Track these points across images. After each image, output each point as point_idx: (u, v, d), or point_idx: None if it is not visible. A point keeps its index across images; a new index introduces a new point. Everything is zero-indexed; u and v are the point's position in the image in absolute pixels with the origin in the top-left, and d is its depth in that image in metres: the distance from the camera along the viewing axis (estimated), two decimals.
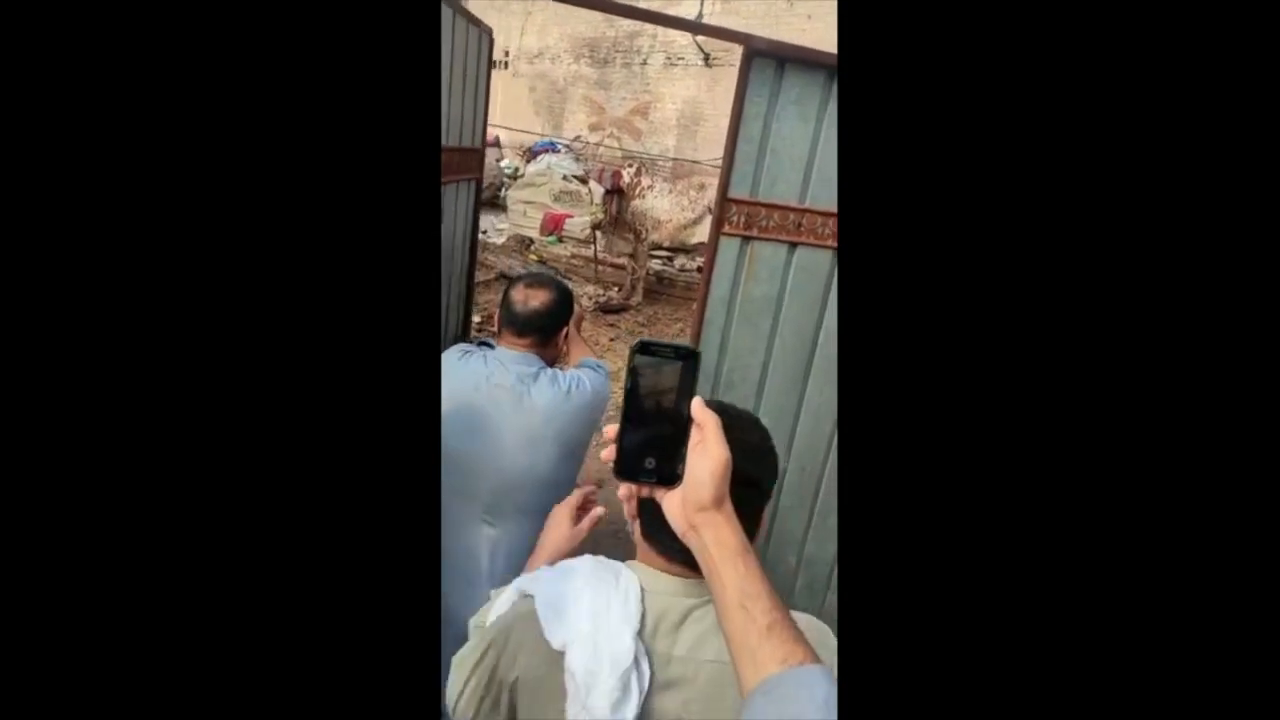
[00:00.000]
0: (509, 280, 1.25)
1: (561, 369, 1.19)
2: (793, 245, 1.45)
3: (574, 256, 5.76)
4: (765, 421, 1.66)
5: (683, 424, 0.54)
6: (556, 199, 7.05)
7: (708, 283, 1.45)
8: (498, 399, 1.11)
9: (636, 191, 5.01)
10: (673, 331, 4.79)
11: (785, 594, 1.79)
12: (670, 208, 5.12)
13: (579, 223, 6.49)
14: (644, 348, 0.53)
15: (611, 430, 0.55)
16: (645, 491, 0.56)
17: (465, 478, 1.12)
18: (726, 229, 1.40)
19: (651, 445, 0.54)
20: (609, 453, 0.55)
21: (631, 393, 0.54)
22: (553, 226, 6.45)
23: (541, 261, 5.68)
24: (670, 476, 0.54)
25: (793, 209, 1.42)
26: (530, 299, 1.17)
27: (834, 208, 1.43)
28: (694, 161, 7.05)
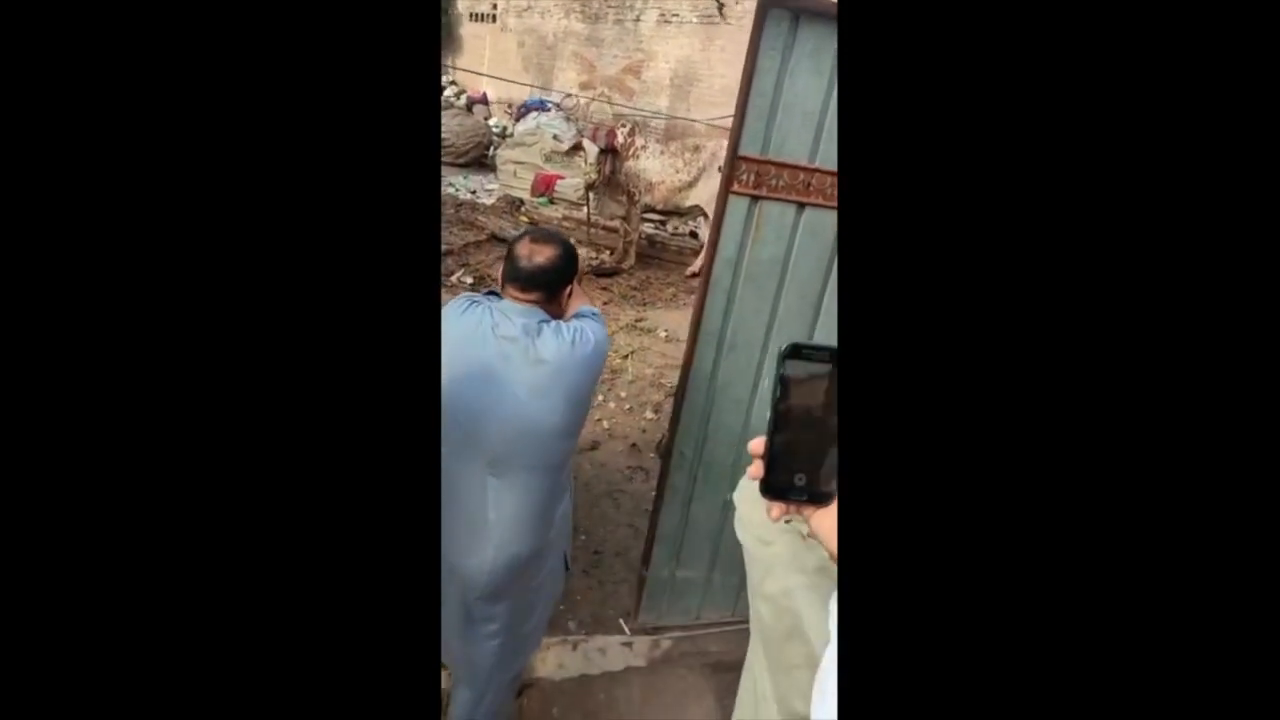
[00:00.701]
0: (511, 239, 1.22)
1: (564, 321, 1.18)
2: (801, 206, 1.44)
3: (565, 219, 5.67)
4: (766, 383, 1.67)
5: (832, 436, 0.49)
6: (548, 160, 6.90)
7: (715, 243, 1.43)
8: (504, 351, 1.10)
9: (630, 152, 4.91)
10: (665, 297, 4.77)
11: None
12: (663, 169, 5.01)
13: (571, 184, 6.38)
14: (795, 351, 0.48)
15: (758, 444, 0.50)
16: (793, 511, 0.51)
17: (470, 428, 1.12)
18: (736, 188, 1.38)
19: (801, 460, 0.49)
20: (756, 469, 0.50)
21: (780, 403, 0.49)
22: (544, 188, 6.33)
23: (532, 223, 5.58)
24: (821, 495, 0.49)
25: (803, 168, 1.40)
26: (535, 254, 1.15)
27: None
28: (692, 120, 6.92)
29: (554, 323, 1.16)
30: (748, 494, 0.77)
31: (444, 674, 1.59)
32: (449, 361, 1.12)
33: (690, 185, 5.04)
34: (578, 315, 1.20)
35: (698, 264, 5.24)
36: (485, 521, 1.14)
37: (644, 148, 4.99)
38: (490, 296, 1.18)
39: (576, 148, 5.21)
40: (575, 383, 1.13)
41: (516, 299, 1.15)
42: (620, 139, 4.87)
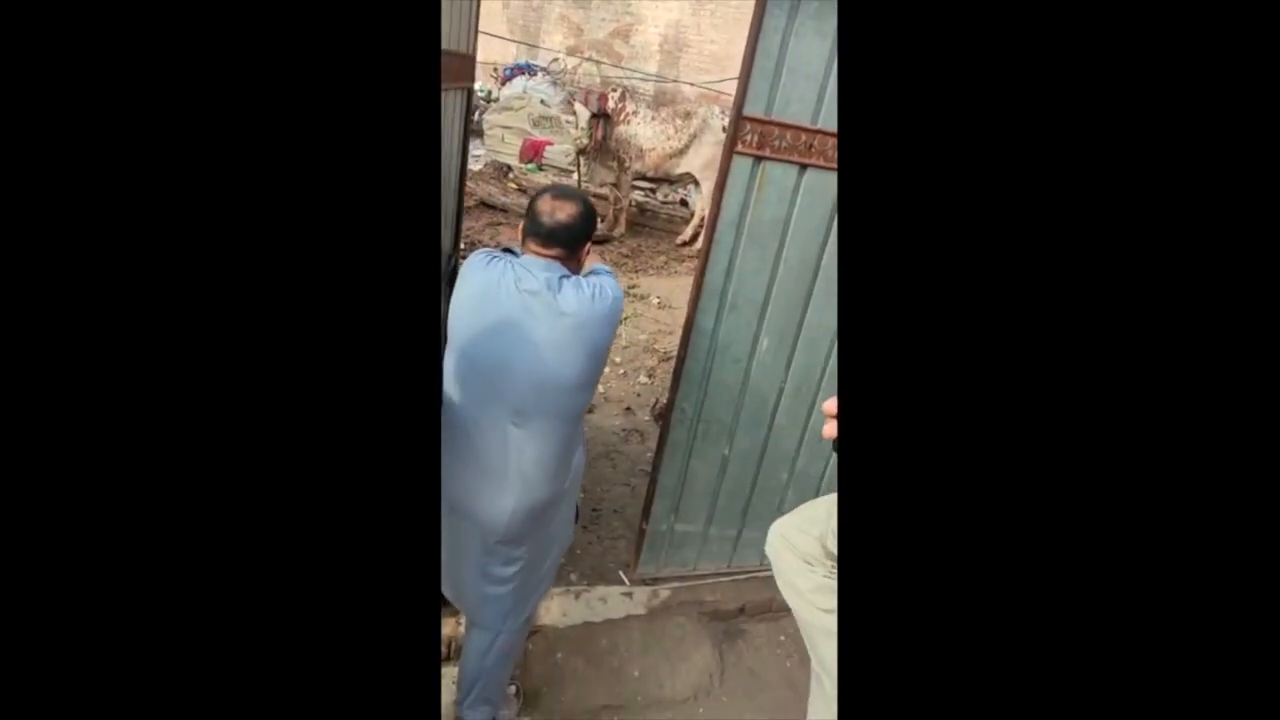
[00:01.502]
0: (532, 195, 1.24)
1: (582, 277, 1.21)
2: (803, 167, 1.47)
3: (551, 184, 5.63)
4: (765, 343, 1.72)
5: None
6: (536, 125, 6.81)
7: (718, 203, 1.46)
8: (526, 304, 1.14)
9: (621, 117, 4.86)
10: (657, 264, 4.78)
11: (775, 505, 1.89)
12: (654, 136, 4.96)
13: (560, 150, 6.31)
14: None
15: (832, 405, 0.54)
16: None
17: (494, 378, 1.15)
18: (740, 148, 1.41)
19: None
20: (830, 429, 0.54)
21: None
22: (532, 154, 6.27)
23: (522, 190, 5.54)
24: None
25: (805, 129, 1.42)
26: (557, 211, 1.18)
27: None
28: (684, 83, 6.82)
29: (574, 278, 1.19)
30: (787, 560, 0.75)
31: (456, 620, 1.65)
32: (472, 313, 1.15)
33: (681, 152, 5.01)
34: (593, 272, 1.23)
35: (688, 232, 5.24)
36: (507, 468, 1.18)
37: (635, 113, 4.94)
38: (507, 253, 1.20)
39: (570, 103, 5.13)
40: (594, 336, 1.17)
41: (538, 254, 1.18)
42: (612, 103, 4.82)
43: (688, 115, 5.03)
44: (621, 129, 4.89)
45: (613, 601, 1.89)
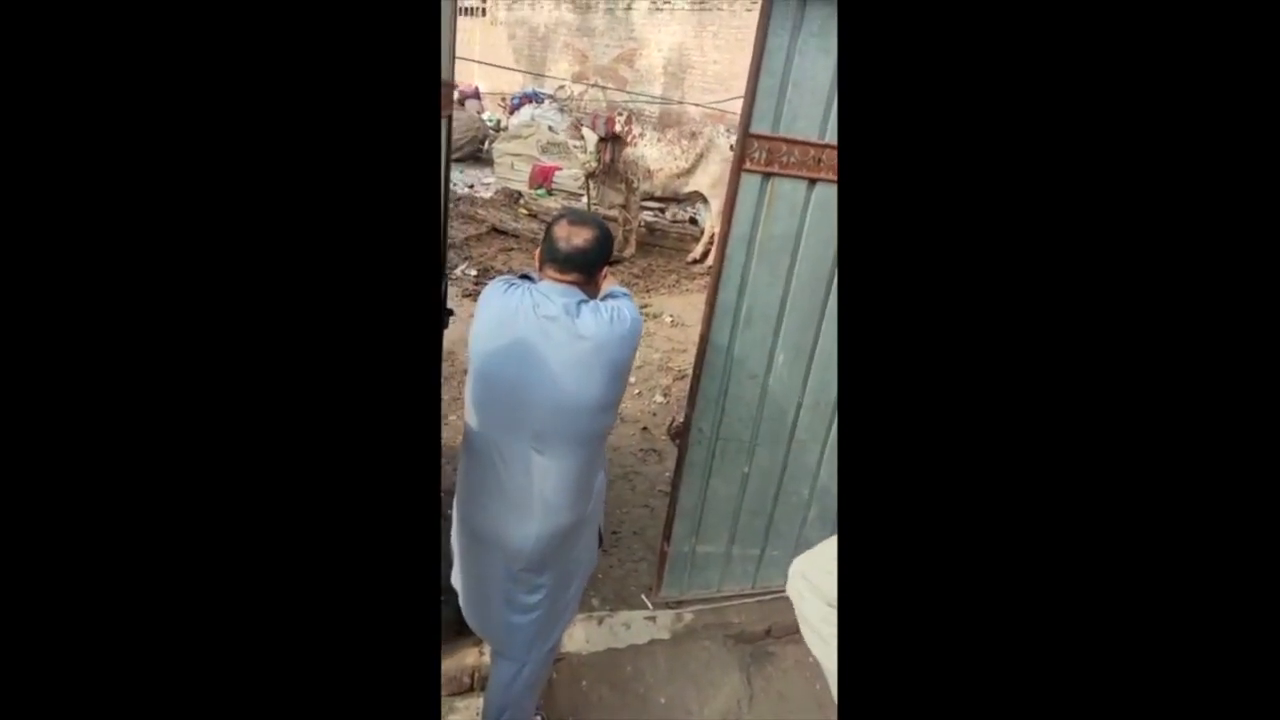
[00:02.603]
0: (550, 221, 1.26)
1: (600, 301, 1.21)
2: (812, 182, 1.47)
3: (565, 209, 5.69)
4: (781, 359, 1.70)
5: None
6: (544, 151, 6.89)
7: (729, 220, 1.46)
8: (545, 329, 1.13)
9: (629, 139, 4.93)
10: (668, 283, 4.79)
11: (798, 523, 1.86)
12: (661, 157, 5.01)
13: (569, 174, 6.38)
14: None
15: None
16: None
17: (514, 405, 1.15)
18: (748, 165, 1.41)
19: None
20: None
21: None
22: (542, 179, 6.34)
23: (532, 215, 5.60)
24: None
25: (813, 144, 1.43)
26: (574, 236, 1.18)
27: None
28: (693, 103, 6.90)
29: (592, 302, 1.19)
30: (810, 604, 0.72)
31: (480, 649, 1.63)
32: (491, 339, 1.15)
33: (689, 172, 5.04)
34: (610, 295, 1.23)
35: (699, 250, 5.26)
36: (530, 494, 1.18)
37: (641, 135, 5.00)
38: (524, 280, 1.21)
39: (578, 128, 5.23)
40: (614, 358, 1.17)
41: (556, 280, 1.18)
42: (619, 126, 4.88)
43: (693, 135, 5.07)
44: (629, 150, 4.94)
45: (636, 626, 1.86)
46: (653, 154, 5.00)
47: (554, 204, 5.79)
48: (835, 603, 0.69)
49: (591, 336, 1.14)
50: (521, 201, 5.68)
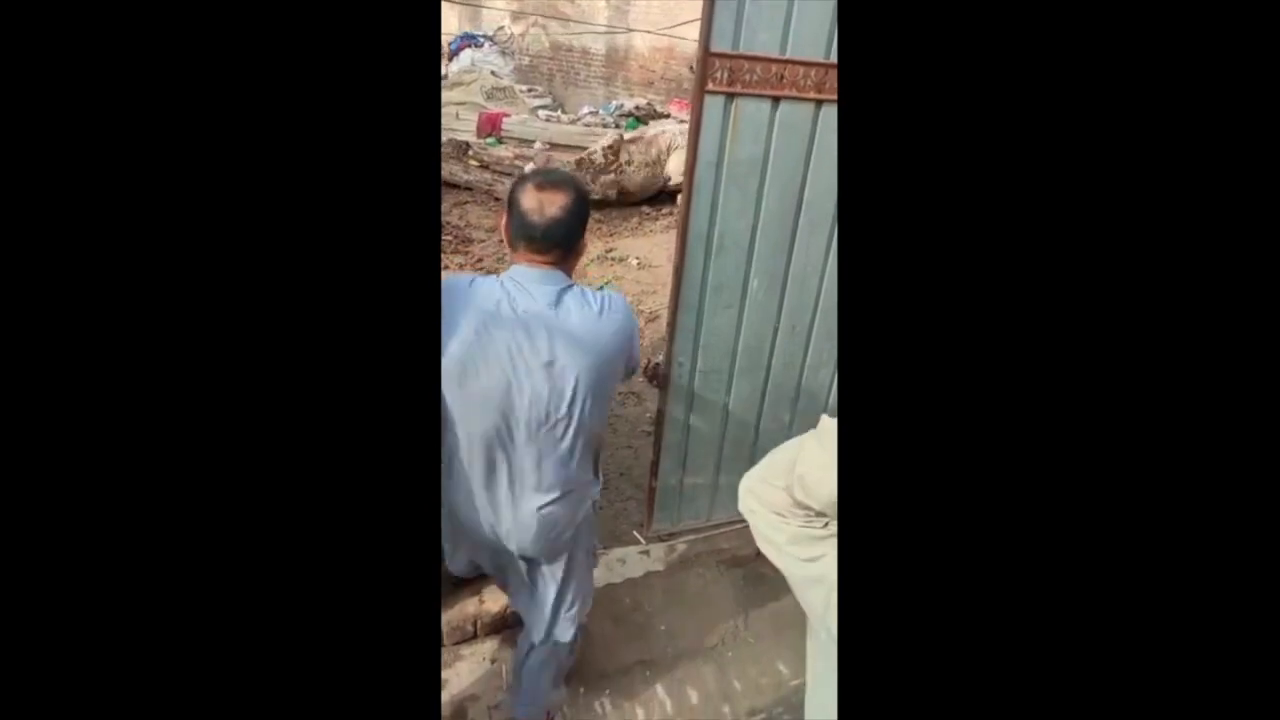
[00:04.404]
0: (511, 186, 1.06)
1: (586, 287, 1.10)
2: (775, 101, 1.43)
3: (517, 158, 5.50)
4: (756, 284, 1.70)
5: None
6: (489, 97, 6.63)
7: (694, 146, 1.42)
8: (527, 326, 1.00)
9: (617, 169, 4.87)
10: (631, 225, 4.71)
11: None
12: (643, 176, 5.00)
13: (517, 120, 6.15)
14: None
15: None
16: None
17: (493, 416, 1.04)
18: (710, 87, 1.36)
19: None
20: None
21: None
22: (490, 127, 6.10)
23: (484, 166, 5.40)
24: None
25: (775, 60, 1.38)
26: (546, 205, 1.00)
27: (815, 58, 1.40)
28: (644, 30, 6.67)
29: (577, 288, 1.05)
30: (761, 516, 0.73)
31: (480, 596, 1.65)
32: (464, 344, 1.00)
33: (660, 165, 5.09)
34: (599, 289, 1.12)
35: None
36: (516, 499, 1.13)
37: (629, 162, 4.98)
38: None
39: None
40: (606, 354, 1.05)
41: (532, 262, 1.02)
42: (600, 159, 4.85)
43: (653, 140, 5.10)
44: (619, 178, 4.93)
45: (631, 561, 1.90)
46: (638, 178, 5.03)
47: (506, 153, 5.60)
48: (781, 510, 0.70)
49: (578, 331, 1.01)
50: (471, 152, 5.46)
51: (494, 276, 1.05)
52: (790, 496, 0.69)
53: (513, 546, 1.19)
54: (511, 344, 1.00)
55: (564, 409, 1.05)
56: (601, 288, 1.15)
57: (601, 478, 1.30)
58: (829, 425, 0.67)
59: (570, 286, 1.05)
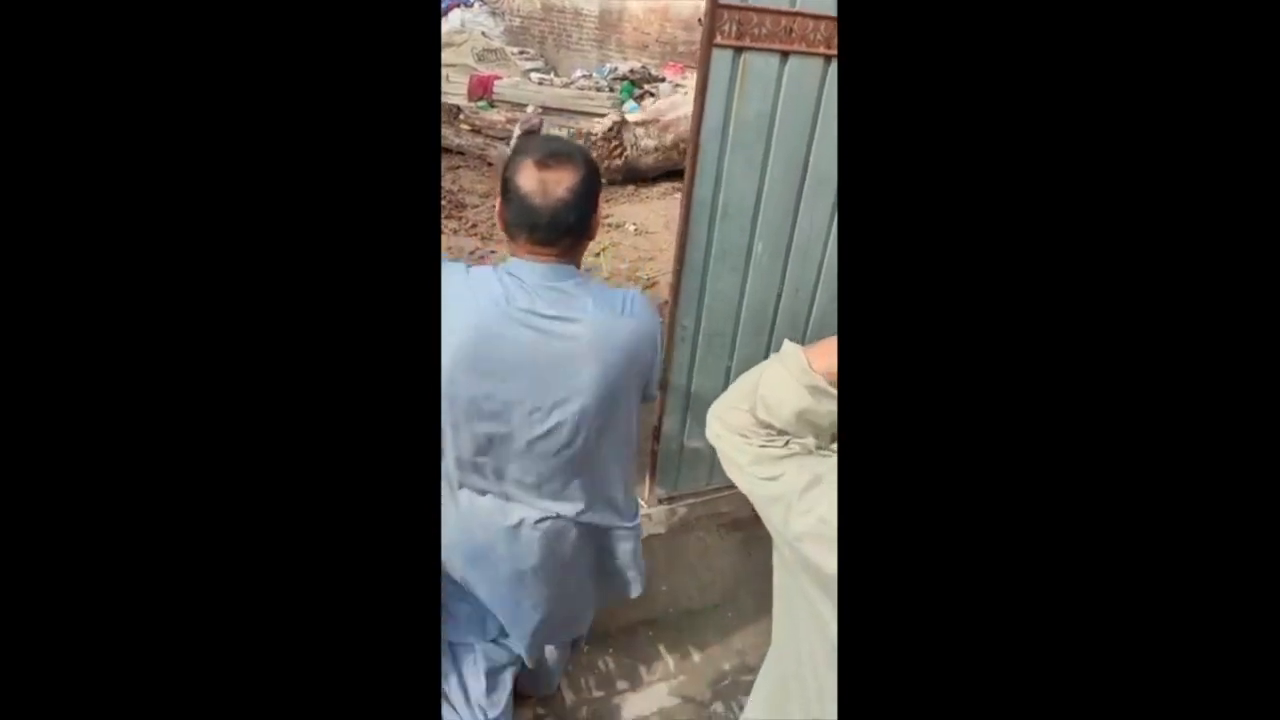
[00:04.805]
0: (507, 162, 0.89)
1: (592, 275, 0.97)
2: (784, 55, 1.40)
3: (510, 121, 5.39)
4: (760, 248, 1.68)
5: None
6: (480, 59, 6.47)
7: (701, 104, 1.39)
8: (534, 325, 0.86)
9: (619, 153, 4.62)
10: (626, 192, 4.65)
11: None
12: (656, 152, 4.76)
13: (509, 83, 6.02)
14: None
15: None
16: None
17: (487, 423, 0.91)
18: (719, 39, 1.33)
19: None
20: None
21: None
22: (481, 90, 5.96)
23: (476, 130, 5.29)
24: None
25: (784, 13, 1.34)
26: (550, 184, 0.82)
27: (826, 10, 1.37)
28: None
29: (593, 283, 0.90)
30: (726, 439, 0.72)
31: None
32: (460, 349, 0.86)
33: (675, 151, 4.90)
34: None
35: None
36: (518, 531, 1.02)
37: (634, 146, 4.72)
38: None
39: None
40: (620, 360, 0.89)
41: (535, 255, 0.86)
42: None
43: (667, 126, 4.87)
44: (623, 163, 4.67)
45: None
46: (649, 160, 4.72)
47: (498, 117, 5.48)
48: (745, 432, 0.71)
49: (588, 334, 0.87)
50: (462, 116, 5.35)
51: (491, 268, 0.92)
52: (753, 417, 0.71)
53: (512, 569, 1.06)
54: (512, 353, 0.87)
55: (568, 419, 0.91)
56: (598, 254, 1.09)
57: (640, 515, 1.14)
58: (791, 348, 0.70)
59: (582, 281, 0.91)
